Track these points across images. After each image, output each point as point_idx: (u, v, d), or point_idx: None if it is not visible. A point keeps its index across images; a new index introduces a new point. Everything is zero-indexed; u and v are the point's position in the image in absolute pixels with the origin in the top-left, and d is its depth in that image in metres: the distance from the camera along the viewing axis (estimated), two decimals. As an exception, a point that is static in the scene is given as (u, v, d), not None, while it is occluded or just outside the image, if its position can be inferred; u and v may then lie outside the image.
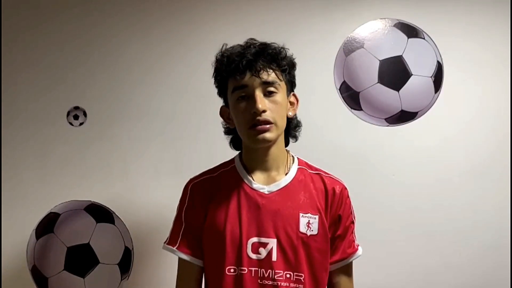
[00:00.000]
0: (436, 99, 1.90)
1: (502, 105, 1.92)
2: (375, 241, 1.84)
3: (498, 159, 1.91)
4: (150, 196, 1.85)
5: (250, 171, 1.30)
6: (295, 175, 1.31)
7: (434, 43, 1.90)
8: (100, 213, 1.79)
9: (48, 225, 1.76)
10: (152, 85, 1.89)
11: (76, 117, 1.86)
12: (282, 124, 1.27)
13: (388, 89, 1.87)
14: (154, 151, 1.87)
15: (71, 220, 1.76)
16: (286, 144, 1.36)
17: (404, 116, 1.90)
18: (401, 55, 1.88)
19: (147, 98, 1.89)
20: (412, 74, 1.87)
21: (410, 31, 1.90)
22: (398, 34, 1.90)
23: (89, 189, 1.84)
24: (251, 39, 1.29)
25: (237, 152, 1.37)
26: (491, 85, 1.93)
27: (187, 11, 1.91)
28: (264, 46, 1.26)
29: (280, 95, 1.25)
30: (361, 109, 1.90)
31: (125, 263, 1.78)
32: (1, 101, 1.85)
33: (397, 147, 1.90)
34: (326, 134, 1.89)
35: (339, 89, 1.91)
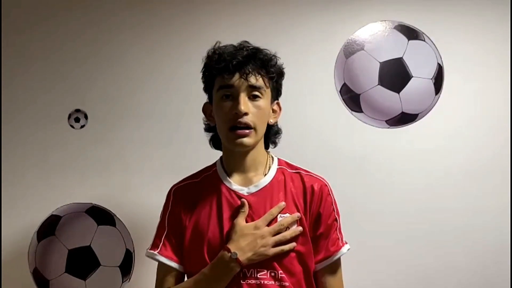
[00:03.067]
0: (437, 101, 1.90)
1: (502, 106, 1.92)
2: (376, 242, 1.84)
3: (498, 161, 1.91)
4: (151, 199, 1.85)
5: (229, 173, 1.31)
6: (275, 175, 1.31)
7: (434, 45, 1.91)
8: (101, 216, 1.79)
9: (49, 227, 1.75)
10: (153, 87, 1.90)
11: (77, 120, 1.87)
12: (262, 130, 1.27)
13: (388, 91, 1.88)
14: (155, 154, 1.88)
15: (72, 223, 1.75)
16: (266, 147, 1.36)
17: (404, 118, 1.90)
18: (402, 57, 1.88)
19: (148, 101, 1.89)
20: (412, 76, 1.88)
21: (411, 33, 1.90)
22: (398, 36, 1.90)
23: (90, 192, 1.84)
24: (245, 41, 1.30)
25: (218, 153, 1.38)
26: (492, 87, 1.93)
27: (188, 13, 1.91)
28: (256, 51, 1.27)
29: (264, 101, 1.26)
30: (361, 111, 1.90)
31: (126, 266, 1.78)
32: (1, 103, 1.85)
33: (398, 149, 1.91)
34: (326, 136, 1.89)
35: (340, 91, 1.91)
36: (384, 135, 1.91)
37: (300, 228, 1.24)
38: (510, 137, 1.91)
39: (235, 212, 1.25)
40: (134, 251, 1.81)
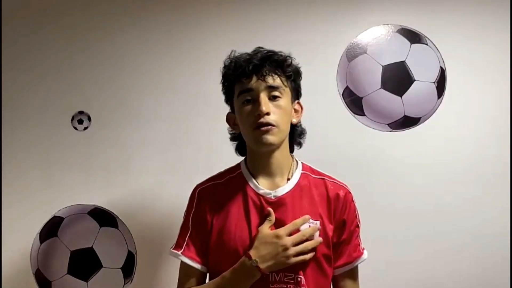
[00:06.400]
0: (439, 104, 1.90)
1: (504, 110, 1.92)
2: (378, 245, 1.84)
3: (500, 164, 1.90)
4: (153, 201, 1.86)
5: (255, 177, 1.31)
6: (298, 180, 1.31)
7: (437, 48, 1.91)
8: (103, 217, 1.80)
9: (52, 229, 1.76)
10: (156, 89, 1.90)
11: (80, 122, 1.87)
12: (285, 128, 1.28)
13: (391, 94, 1.88)
14: (158, 156, 1.88)
15: (75, 224, 1.76)
16: (291, 150, 1.37)
17: (407, 122, 1.90)
18: (404, 61, 1.88)
19: (151, 103, 1.89)
20: (415, 80, 1.88)
21: (413, 37, 1.91)
22: (401, 40, 1.90)
23: (93, 193, 1.84)
24: (259, 47, 1.31)
25: (241, 158, 1.38)
26: (494, 90, 1.92)
27: (192, 15, 1.92)
28: (271, 53, 1.29)
29: (284, 100, 1.27)
30: (364, 115, 1.90)
31: (128, 267, 1.78)
32: (3, 104, 1.86)
33: (400, 153, 1.90)
34: (328, 140, 1.89)
35: (342, 95, 1.91)
36: (387, 138, 1.90)
37: (320, 239, 1.26)
38: (511, 140, 1.91)
39: (262, 218, 1.26)
40: (136, 253, 1.81)
